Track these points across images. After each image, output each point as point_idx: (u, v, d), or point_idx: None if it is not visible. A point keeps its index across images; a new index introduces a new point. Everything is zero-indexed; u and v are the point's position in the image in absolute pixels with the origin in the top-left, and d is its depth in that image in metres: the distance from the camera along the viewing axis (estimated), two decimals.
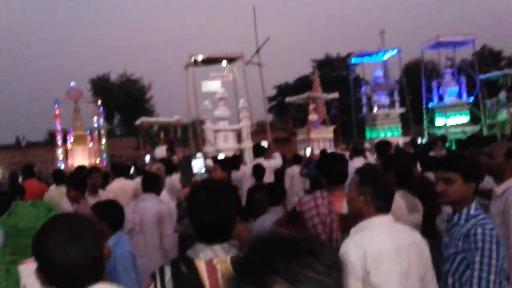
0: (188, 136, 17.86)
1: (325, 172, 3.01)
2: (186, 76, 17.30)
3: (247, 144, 16.40)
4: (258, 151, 7.59)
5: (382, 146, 6.07)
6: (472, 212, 2.16)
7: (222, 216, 1.67)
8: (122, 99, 40.36)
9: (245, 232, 3.16)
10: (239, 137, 16.96)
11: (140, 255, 3.75)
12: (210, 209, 1.66)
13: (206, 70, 17.08)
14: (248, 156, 16.13)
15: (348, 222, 2.69)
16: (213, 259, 1.65)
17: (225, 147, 16.09)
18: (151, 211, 4.15)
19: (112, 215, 3.15)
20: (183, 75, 17.54)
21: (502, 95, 19.54)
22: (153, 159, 15.62)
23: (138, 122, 18.39)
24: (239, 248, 1.70)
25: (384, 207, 2.14)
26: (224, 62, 17.55)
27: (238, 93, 17.67)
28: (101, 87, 39.63)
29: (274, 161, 7.62)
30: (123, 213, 3.26)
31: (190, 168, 11.32)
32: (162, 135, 18.67)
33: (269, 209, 4.10)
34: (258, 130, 19.29)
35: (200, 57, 16.62)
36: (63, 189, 5.18)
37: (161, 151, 15.63)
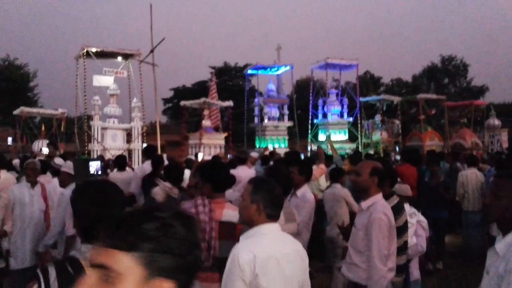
0: (73, 131, 16.86)
1: (210, 179, 2.99)
2: (76, 68, 16.36)
3: (137, 144, 16.06)
4: (150, 152, 7.42)
5: (291, 156, 5.97)
6: None
7: (114, 215, 1.69)
8: (3, 85, 36.67)
9: None
10: (129, 136, 16.51)
11: None
12: (103, 207, 1.67)
13: (99, 64, 16.35)
14: (137, 156, 15.79)
15: (226, 230, 2.84)
16: None
17: (113, 146, 15.56)
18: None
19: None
20: (73, 66, 16.58)
21: (378, 117, 21.65)
22: (31, 153, 14.49)
23: (17, 111, 16.92)
24: None
25: (274, 215, 2.25)
26: (119, 58, 17.01)
27: (132, 91, 17.25)
28: None
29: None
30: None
31: (86, 167, 10.81)
32: (43, 128, 17.39)
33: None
34: (150, 131, 18.93)
35: (93, 50, 15.88)
36: None
37: (40, 145, 14.58)
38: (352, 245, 3.16)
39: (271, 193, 2.27)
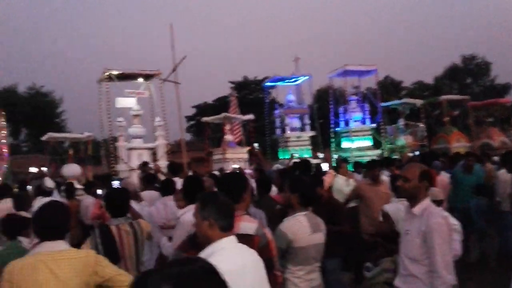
0: (100, 154, 17.27)
1: (226, 191, 2.90)
2: (99, 91, 16.82)
3: (162, 163, 16.27)
4: (174, 169, 7.47)
5: (302, 165, 6.25)
6: None
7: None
8: (31, 113, 37.91)
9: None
10: (154, 155, 16.76)
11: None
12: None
13: (121, 86, 16.72)
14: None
15: (243, 242, 2.60)
16: (119, 225, 3.51)
17: (139, 166, 15.79)
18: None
19: None
20: (96, 90, 17.04)
21: (401, 122, 21.38)
22: (61, 177, 14.86)
23: (44, 137, 17.43)
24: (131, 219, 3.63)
25: (227, 226, 2.25)
26: (140, 79, 17.41)
27: (154, 111, 17.59)
28: (7, 99, 36.96)
29: None
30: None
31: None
32: (71, 152, 17.83)
33: None
34: (175, 149, 19.17)
35: (115, 72, 16.32)
36: None
37: (70, 169, 14.95)
38: (406, 254, 2.98)
39: (219, 204, 2.29)
